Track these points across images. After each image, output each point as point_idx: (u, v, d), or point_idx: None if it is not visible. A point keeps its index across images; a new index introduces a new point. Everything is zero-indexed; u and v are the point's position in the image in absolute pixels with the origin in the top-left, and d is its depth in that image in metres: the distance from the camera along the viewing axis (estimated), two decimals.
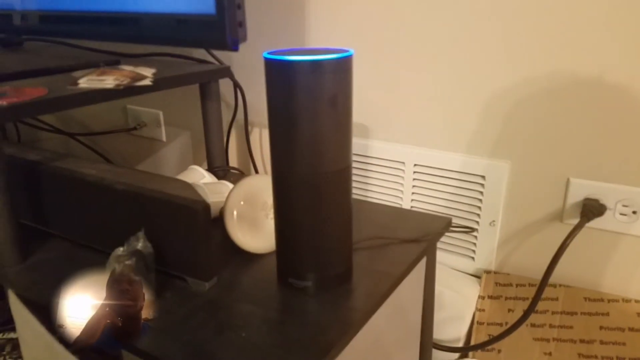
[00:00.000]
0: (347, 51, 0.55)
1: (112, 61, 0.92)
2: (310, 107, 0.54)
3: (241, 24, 0.71)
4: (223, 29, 0.70)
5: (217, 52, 1.02)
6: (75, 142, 1.43)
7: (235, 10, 0.70)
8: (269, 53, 0.55)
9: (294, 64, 0.52)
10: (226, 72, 0.97)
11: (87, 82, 0.76)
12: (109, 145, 1.45)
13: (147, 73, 0.81)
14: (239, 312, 0.59)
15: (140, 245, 0.61)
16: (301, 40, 1.01)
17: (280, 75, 0.54)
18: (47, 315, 0.58)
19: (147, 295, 0.57)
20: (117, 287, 0.54)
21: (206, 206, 0.60)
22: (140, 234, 0.62)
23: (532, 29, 0.79)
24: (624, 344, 0.81)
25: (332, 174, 0.57)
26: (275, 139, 0.58)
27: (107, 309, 0.53)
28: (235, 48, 0.71)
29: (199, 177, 0.87)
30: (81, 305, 0.56)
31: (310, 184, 0.57)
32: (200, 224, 0.60)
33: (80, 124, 1.48)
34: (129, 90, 0.75)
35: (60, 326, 0.54)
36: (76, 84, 0.76)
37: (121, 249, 0.60)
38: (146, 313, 0.58)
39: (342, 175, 0.58)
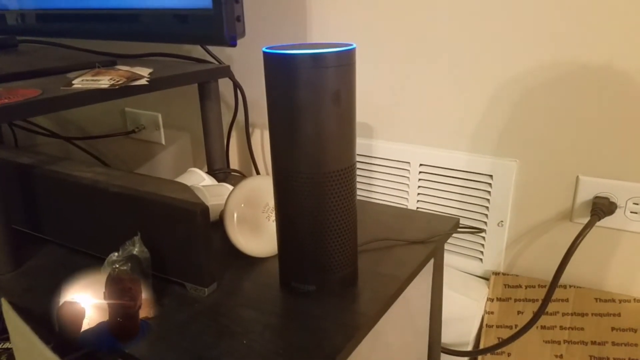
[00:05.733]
0: (349, 45, 0.53)
1: (108, 62, 0.91)
2: (312, 104, 0.52)
3: (239, 19, 0.69)
4: (220, 23, 0.68)
5: (216, 52, 1.00)
6: (74, 147, 1.41)
7: (232, 4, 0.68)
8: (268, 48, 0.53)
9: (294, 58, 0.50)
10: (226, 71, 0.95)
11: (81, 82, 0.74)
12: (107, 149, 1.43)
13: (144, 73, 0.79)
14: (240, 318, 0.57)
15: (136, 250, 0.59)
16: (303, 37, 0.99)
17: (281, 70, 0.52)
18: (41, 323, 0.57)
19: (144, 294, 0.56)
20: (119, 286, 0.54)
21: (204, 208, 0.58)
22: (136, 238, 0.60)
23: (539, 21, 0.77)
24: (636, 345, 0.79)
25: (335, 173, 0.55)
26: (275, 138, 0.56)
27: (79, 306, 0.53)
28: (233, 43, 0.70)
29: (199, 179, 0.85)
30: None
31: (313, 184, 0.55)
32: (199, 227, 0.58)
33: (78, 128, 1.46)
34: (125, 91, 0.74)
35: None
36: (70, 84, 0.74)
37: (116, 254, 0.59)
38: (144, 312, 0.57)
39: (346, 174, 0.56)
